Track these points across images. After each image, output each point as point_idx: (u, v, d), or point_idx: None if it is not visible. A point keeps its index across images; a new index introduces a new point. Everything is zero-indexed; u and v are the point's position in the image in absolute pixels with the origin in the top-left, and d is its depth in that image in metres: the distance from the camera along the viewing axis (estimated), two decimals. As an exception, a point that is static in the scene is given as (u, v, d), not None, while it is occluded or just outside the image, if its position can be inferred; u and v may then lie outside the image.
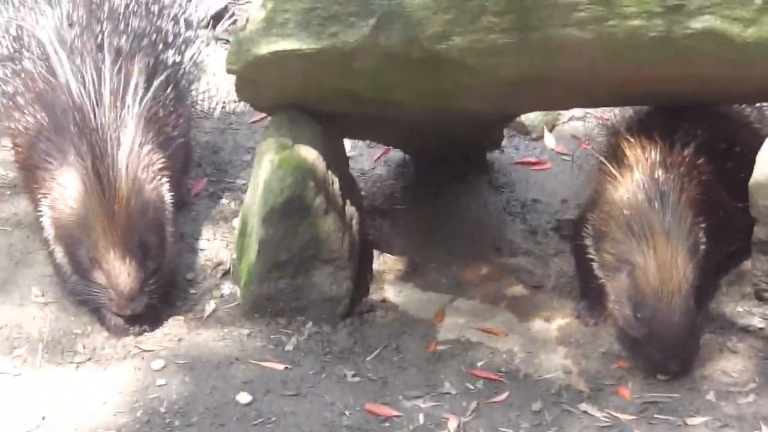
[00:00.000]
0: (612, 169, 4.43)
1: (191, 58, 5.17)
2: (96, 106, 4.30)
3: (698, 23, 3.82)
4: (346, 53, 4.00)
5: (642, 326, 4.11)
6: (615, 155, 4.52)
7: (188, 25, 5.16)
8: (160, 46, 4.93)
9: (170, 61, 4.94)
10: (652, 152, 4.37)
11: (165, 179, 4.64)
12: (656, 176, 4.28)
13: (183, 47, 5.10)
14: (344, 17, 3.95)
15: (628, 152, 4.42)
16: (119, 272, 4.24)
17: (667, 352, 4.09)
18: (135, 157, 4.36)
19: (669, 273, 4.06)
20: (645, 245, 4.10)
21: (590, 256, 4.41)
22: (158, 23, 4.96)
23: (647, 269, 4.08)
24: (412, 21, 3.90)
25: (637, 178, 4.29)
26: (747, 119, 4.93)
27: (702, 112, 4.60)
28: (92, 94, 4.32)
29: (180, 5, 5.15)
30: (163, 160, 4.66)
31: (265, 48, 4.06)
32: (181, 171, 5.04)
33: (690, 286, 4.10)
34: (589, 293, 4.55)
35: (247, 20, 4.21)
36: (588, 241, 4.43)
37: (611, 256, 4.26)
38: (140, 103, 4.48)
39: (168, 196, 4.65)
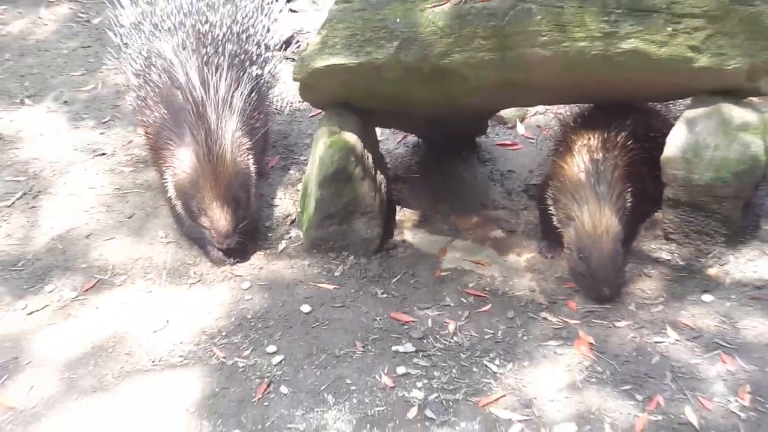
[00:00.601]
0: (562, 151, 4.44)
1: (269, 71, 5.15)
2: (209, 104, 4.37)
3: (626, 44, 3.84)
4: (377, 66, 4.01)
5: (582, 264, 4.11)
6: (565, 141, 4.50)
7: (267, 48, 5.14)
8: (247, 63, 4.91)
9: (254, 74, 4.91)
10: (593, 138, 4.35)
11: (250, 155, 4.65)
12: (595, 156, 4.26)
13: (263, 64, 5.08)
14: (376, 40, 3.96)
15: (574, 139, 4.41)
16: (219, 218, 4.29)
17: (599, 281, 4.09)
18: (233, 139, 4.40)
19: (599, 224, 4.07)
20: (583, 206, 4.12)
21: (551, 213, 4.39)
22: (246, 47, 4.94)
23: (583, 221, 4.09)
24: (424, 43, 3.91)
25: (579, 158, 4.28)
26: (658, 112, 4.88)
27: (628, 108, 4.55)
28: (206, 95, 4.38)
29: (261, 34, 5.12)
30: (249, 142, 4.67)
31: (320, 62, 4.08)
32: (262, 150, 5.04)
33: (617, 233, 4.10)
34: (548, 237, 4.54)
35: (308, 44, 4.23)
36: (549, 202, 4.39)
37: (563, 215, 4.25)
38: (237, 103, 4.54)
39: (252, 167, 4.66)
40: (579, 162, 4.28)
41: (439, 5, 3.88)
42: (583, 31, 3.82)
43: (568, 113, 4.91)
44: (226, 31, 4.89)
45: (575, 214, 4.17)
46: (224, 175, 4.34)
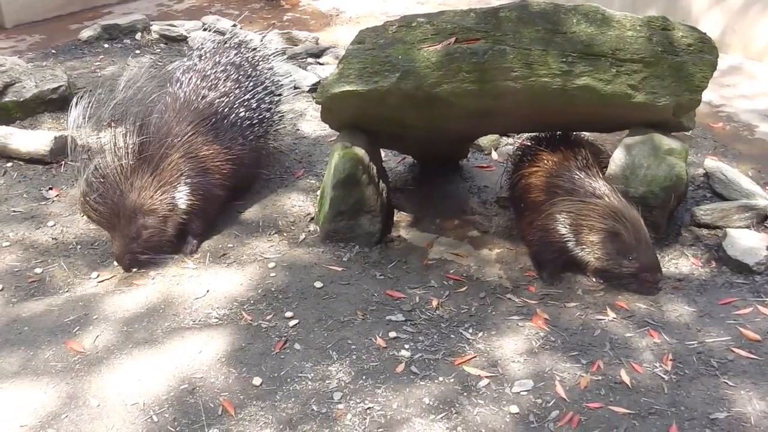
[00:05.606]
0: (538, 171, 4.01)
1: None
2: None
3: (580, 81, 3.66)
4: (382, 93, 3.77)
5: (634, 263, 3.68)
6: (533, 159, 4.14)
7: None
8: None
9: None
10: (557, 156, 4.05)
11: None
12: (564, 169, 3.92)
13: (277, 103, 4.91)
14: (382, 72, 3.74)
15: (545, 157, 4.08)
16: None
17: (656, 269, 3.73)
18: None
19: (638, 223, 3.65)
20: (619, 215, 3.66)
21: (566, 239, 3.83)
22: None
23: (624, 228, 3.64)
24: (420, 75, 3.69)
25: (585, 179, 3.83)
26: (596, 141, 4.55)
27: (578, 136, 4.33)
28: None
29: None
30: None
31: (337, 89, 3.85)
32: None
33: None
34: (547, 265, 4.02)
35: (328, 75, 4.00)
36: (563, 231, 3.82)
37: (594, 236, 3.72)
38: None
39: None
40: (587, 183, 3.84)
41: (433, 46, 3.68)
42: (546, 69, 3.62)
43: (537, 137, 4.44)
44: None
45: (613, 226, 3.66)
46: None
